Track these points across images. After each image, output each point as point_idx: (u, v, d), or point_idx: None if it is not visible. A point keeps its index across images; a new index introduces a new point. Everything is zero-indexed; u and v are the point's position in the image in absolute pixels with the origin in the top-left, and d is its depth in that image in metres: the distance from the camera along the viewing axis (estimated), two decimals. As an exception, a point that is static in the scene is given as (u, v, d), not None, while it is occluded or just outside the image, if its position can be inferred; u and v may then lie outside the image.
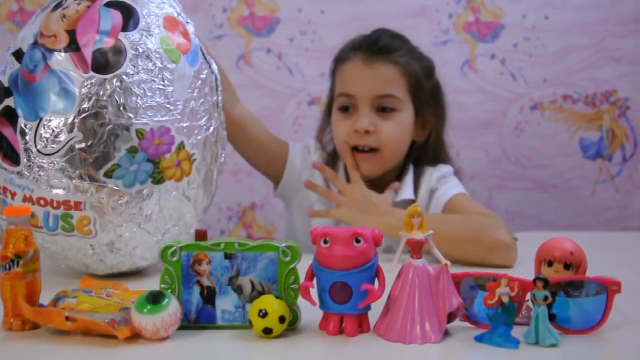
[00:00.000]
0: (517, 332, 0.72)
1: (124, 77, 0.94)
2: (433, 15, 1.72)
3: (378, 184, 1.28)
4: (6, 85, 0.96)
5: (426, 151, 1.31)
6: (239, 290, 0.77)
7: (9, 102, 0.95)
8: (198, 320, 0.77)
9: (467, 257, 1.09)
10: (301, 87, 1.72)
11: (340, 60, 1.30)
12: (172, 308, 0.73)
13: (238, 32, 1.70)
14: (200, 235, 0.78)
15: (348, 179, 1.30)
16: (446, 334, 0.75)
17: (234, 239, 0.77)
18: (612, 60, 1.74)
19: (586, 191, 1.78)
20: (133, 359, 0.70)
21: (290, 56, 1.71)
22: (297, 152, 1.34)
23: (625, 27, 1.74)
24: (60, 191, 0.93)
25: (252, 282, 0.77)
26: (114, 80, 0.93)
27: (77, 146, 0.92)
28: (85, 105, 0.92)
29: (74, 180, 0.93)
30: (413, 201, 1.27)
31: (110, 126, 0.92)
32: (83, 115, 0.92)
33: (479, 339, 0.73)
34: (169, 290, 0.76)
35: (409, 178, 1.29)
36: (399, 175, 1.30)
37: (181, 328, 0.75)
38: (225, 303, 0.77)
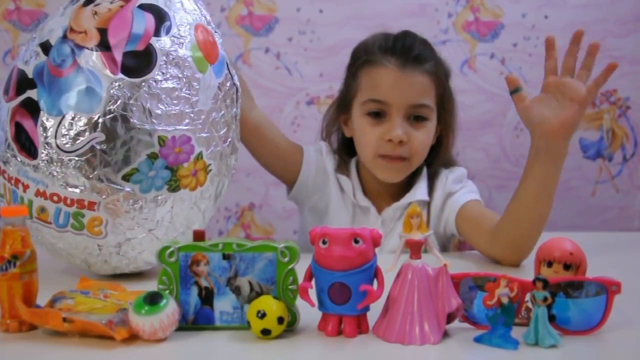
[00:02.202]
0: (516, 333, 0.72)
1: (152, 82, 0.92)
2: (432, 15, 1.72)
3: (388, 184, 1.28)
4: (30, 76, 0.94)
5: (439, 153, 1.31)
6: (237, 291, 0.77)
7: (32, 94, 0.93)
8: (196, 321, 0.77)
9: (518, 233, 1.10)
10: (300, 87, 1.72)
11: (369, 63, 1.25)
12: (169, 309, 0.73)
13: (236, 31, 1.70)
14: (198, 235, 0.78)
15: (362, 181, 1.30)
16: (445, 334, 0.75)
17: (232, 240, 0.76)
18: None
19: (586, 191, 1.78)
20: (130, 360, 0.70)
21: (288, 56, 1.71)
22: (312, 156, 1.34)
23: (625, 27, 1.73)
24: (76, 190, 0.92)
25: (250, 283, 0.76)
26: (142, 85, 0.92)
27: (98, 147, 0.91)
28: (111, 106, 0.91)
29: (91, 181, 0.92)
30: (427, 202, 1.27)
31: (134, 130, 0.91)
32: (108, 116, 0.90)
33: (478, 339, 0.73)
34: (166, 291, 0.76)
35: (423, 179, 1.29)
36: (411, 175, 1.30)
37: (179, 329, 0.75)
38: (224, 304, 0.77)
